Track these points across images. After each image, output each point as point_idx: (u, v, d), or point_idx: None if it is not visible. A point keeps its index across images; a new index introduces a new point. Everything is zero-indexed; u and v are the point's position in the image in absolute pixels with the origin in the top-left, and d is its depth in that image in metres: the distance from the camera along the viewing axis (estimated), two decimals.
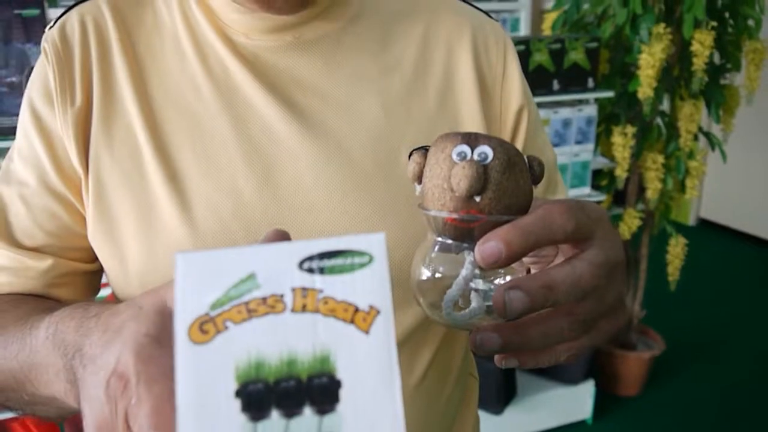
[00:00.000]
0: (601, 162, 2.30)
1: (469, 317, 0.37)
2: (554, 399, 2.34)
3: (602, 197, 2.22)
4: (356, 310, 0.29)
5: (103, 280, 0.67)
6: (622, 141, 2.11)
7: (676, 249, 2.35)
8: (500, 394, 2.19)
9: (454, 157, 0.36)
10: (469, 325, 0.37)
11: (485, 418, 2.23)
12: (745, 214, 4.10)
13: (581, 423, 2.41)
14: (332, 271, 0.29)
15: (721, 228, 4.23)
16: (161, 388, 0.31)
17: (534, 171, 0.38)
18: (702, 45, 1.96)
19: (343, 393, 0.28)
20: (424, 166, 0.38)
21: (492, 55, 0.64)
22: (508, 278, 0.37)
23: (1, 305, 0.56)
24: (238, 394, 0.27)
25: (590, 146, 2.13)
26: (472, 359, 0.76)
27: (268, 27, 0.58)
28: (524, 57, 1.93)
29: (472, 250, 0.35)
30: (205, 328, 0.28)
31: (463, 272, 0.36)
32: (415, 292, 0.38)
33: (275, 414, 0.27)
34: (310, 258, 0.29)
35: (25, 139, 0.58)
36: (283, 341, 0.28)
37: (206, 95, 0.57)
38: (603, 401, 2.48)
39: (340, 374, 0.28)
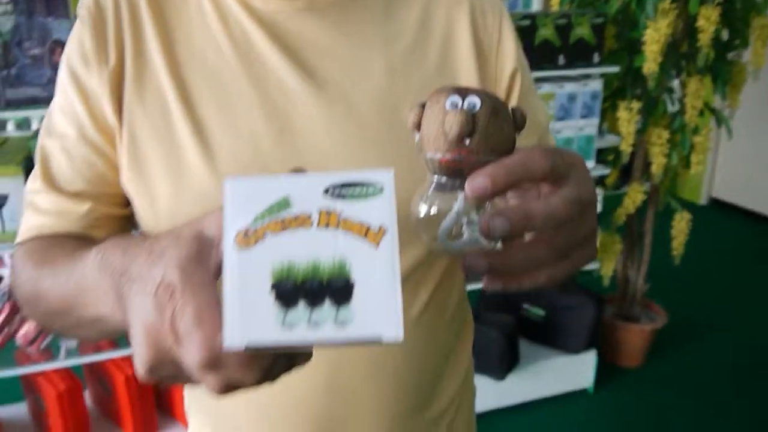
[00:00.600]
0: (611, 140, 2.34)
1: (462, 246, 0.42)
2: (556, 367, 2.41)
3: (606, 171, 2.26)
4: (369, 228, 0.36)
5: None
6: (627, 116, 2.15)
7: (681, 224, 2.39)
8: (503, 361, 2.26)
9: (447, 106, 0.41)
10: (461, 253, 0.43)
11: (488, 384, 2.30)
12: (757, 193, 4.10)
13: (582, 392, 2.47)
14: (351, 197, 0.37)
15: (733, 207, 4.24)
16: (202, 295, 0.37)
17: (516, 119, 0.43)
18: (708, 21, 1.98)
19: (356, 292, 0.35)
20: (422, 117, 0.44)
21: (489, 22, 0.69)
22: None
23: (48, 242, 0.63)
24: (273, 288, 0.35)
25: (595, 120, 2.17)
26: (468, 306, 0.83)
27: None
28: (530, 32, 1.97)
29: (463, 188, 0.40)
30: (249, 237, 0.36)
31: (456, 206, 0.42)
32: (415, 226, 0.44)
33: (301, 305, 0.34)
34: (334, 186, 0.37)
35: (64, 96, 0.65)
36: (309, 250, 0.35)
37: (228, 56, 0.63)
38: (604, 371, 2.54)
39: (354, 277, 0.35)
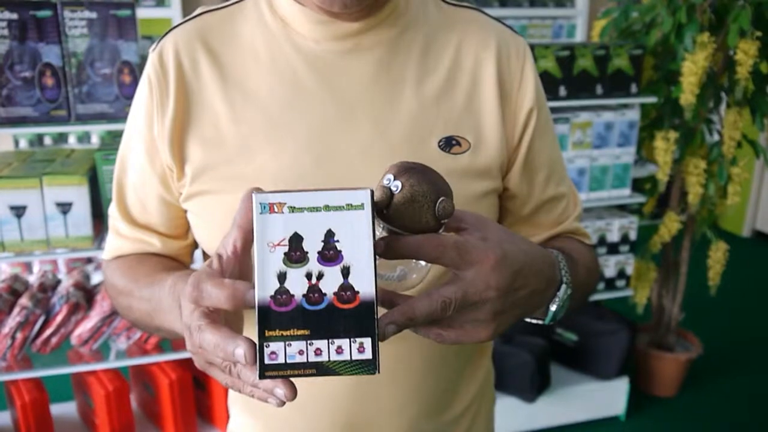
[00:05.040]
0: (649, 169, 2.36)
1: (396, 281, 0.57)
2: (588, 393, 2.42)
3: (642, 199, 2.29)
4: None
5: None
6: (663, 145, 2.18)
7: (717, 254, 2.39)
8: (533, 383, 2.28)
9: (383, 181, 0.53)
10: (396, 287, 0.57)
11: (518, 405, 2.32)
12: None
13: (614, 419, 2.47)
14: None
15: None
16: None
17: (438, 211, 0.52)
18: (746, 54, 2.01)
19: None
20: None
21: (512, 64, 0.75)
22: (413, 263, 0.57)
23: (131, 262, 0.78)
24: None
25: (631, 149, 2.20)
26: None
27: (335, 35, 0.71)
28: (569, 62, 2.03)
29: None
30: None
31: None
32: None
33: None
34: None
35: (129, 142, 0.77)
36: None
37: (277, 92, 0.70)
38: (637, 399, 2.54)
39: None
